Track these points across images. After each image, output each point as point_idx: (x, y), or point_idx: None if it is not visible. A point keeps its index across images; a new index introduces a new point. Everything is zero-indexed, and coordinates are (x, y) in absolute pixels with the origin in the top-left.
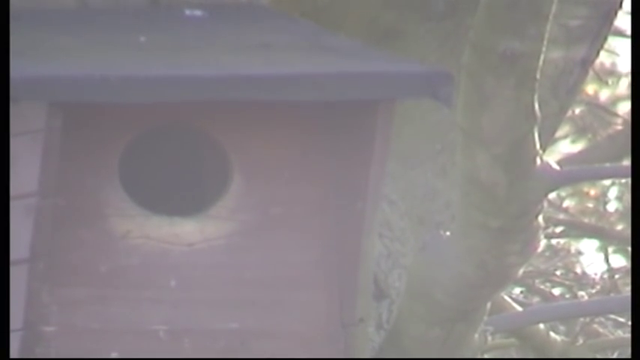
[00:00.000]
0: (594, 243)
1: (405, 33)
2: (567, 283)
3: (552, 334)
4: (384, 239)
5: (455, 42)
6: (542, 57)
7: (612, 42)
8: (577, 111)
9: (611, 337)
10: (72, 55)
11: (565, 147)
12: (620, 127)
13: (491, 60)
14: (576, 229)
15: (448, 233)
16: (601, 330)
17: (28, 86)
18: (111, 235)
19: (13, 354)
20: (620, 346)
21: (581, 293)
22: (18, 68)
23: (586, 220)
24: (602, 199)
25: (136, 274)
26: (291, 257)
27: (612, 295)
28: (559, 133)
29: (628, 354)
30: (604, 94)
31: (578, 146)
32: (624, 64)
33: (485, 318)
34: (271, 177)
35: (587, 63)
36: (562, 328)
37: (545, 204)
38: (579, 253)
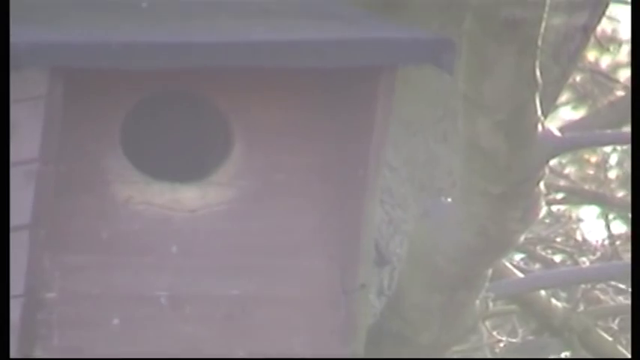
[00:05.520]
0: (595, 210)
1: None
2: (568, 249)
3: (554, 300)
4: (386, 205)
5: (456, 8)
6: (543, 23)
7: (613, 9)
8: (578, 78)
9: (612, 303)
10: (74, 21)
11: (566, 113)
12: (620, 94)
13: (492, 26)
14: (577, 195)
15: (449, 200)
16: (602, 296)
17: (30, 52)
18: (112, 201)
19: (14, 320)
20: (621, 312)
21: (582, 260)
22: (20, 34)
23: (587, 187)
24: (602, 165)
25: (138, 240)
26: (293, 223)
27: (613, 261)
28: (560, 99)
29: (629, 320)
30: (605, 61)
31: (580, 113)
32: (625, 31)
33: (487, 284)
34: (273, 143)
35: (588, 29)
36: (563, 294)
37: (547, 170)
38: (580, 219)
